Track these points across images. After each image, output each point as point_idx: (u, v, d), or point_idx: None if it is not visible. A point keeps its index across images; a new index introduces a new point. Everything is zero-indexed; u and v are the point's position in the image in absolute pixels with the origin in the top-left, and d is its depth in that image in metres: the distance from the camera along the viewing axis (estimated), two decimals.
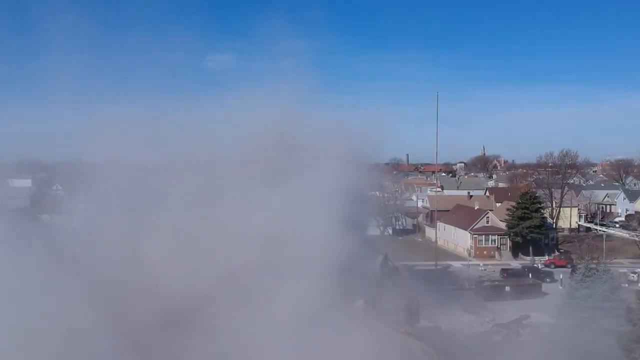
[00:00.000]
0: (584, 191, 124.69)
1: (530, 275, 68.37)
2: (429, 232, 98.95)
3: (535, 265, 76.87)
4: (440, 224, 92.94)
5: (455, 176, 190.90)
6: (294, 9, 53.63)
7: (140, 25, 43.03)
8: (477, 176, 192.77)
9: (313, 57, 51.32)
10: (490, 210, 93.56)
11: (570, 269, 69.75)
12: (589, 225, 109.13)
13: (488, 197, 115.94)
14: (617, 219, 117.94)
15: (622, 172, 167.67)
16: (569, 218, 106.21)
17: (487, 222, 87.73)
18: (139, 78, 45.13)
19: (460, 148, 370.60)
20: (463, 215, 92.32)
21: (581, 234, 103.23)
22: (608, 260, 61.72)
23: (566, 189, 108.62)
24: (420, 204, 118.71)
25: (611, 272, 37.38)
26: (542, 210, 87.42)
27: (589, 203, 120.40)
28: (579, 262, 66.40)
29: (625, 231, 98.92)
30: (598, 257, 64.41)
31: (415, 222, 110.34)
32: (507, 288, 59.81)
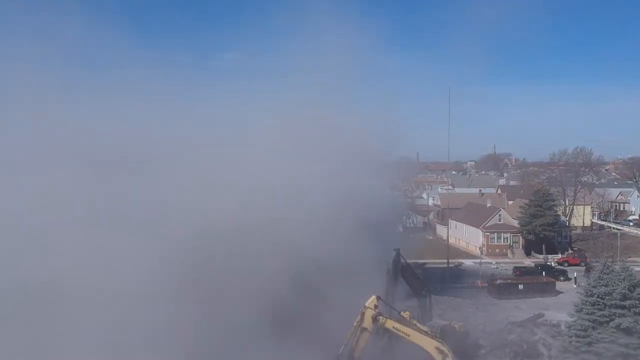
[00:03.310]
0: (597, 189, 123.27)
1: (543, 273, 67.54)
2: (440, 230, 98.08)
3: (548, 263, 75.92)
4: (451, 222, 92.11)
5: (465, 174, 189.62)
6: (299, 7, 53.34)
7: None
8: (488, 174, 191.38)
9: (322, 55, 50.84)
10: (502, 208, 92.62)
11: (584, 267, 69.02)
12: (603, 223, 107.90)
13: (500, 194, 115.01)
14: (631, 217, 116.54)
15: (635, 170, 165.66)
16: (582, 216, 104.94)
17: (499, 219, 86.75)
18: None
19: (470, 146, 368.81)
20: (475, 213, 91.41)
21: (594, 232, 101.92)
22: (623, 259, 60.80)
23: (579, 186, 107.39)
24: (430, 201, 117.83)
25: (630, 269, 36.49)
26: (555, 208, 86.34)
27: (602, 201, 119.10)
28: (593, 260, 65.59)
29: None
30: (613, 255, 63.59)
31: (425, 220, 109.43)
32: (521, 286, 59.02)
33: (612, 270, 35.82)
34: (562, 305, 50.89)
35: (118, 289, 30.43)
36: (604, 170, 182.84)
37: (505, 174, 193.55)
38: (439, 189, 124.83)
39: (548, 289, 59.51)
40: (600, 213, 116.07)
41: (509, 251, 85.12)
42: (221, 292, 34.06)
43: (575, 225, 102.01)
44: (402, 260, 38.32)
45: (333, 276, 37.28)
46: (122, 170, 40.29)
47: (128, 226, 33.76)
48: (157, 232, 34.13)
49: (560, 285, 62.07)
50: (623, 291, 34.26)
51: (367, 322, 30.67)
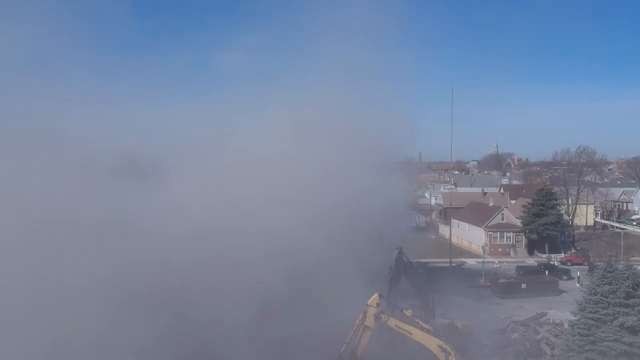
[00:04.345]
0: (600, 188, 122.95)
1: (546, 272, 67.32)
2: (443, 229, 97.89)
3: (551, 262, 75.66)
4: (454, 221, 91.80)
5: (468, 174, 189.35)
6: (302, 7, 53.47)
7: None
8: (490, 174, 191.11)
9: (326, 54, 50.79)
10: (505, 207, 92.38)
11: (587, 267, 68.78)
12: (606, 222, 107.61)
13: (502, 194, 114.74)
14: (634, 217, 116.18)
15: (638, 169, 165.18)
16: (585, 215, 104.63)
17: (502, 219, 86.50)
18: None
19: (473, 146, 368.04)
20: (477, 212, 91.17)
21: (597, 231, 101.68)
22: (626, 258, 60.61)
23: (582, 186, 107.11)
24: (433, 201, 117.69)
25: (633, 268, 36.28)
26: (558, 207, 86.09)
27: (605, 200, 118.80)
28: (596, 259, 65.38)
29: None
30: (616, 255, 63.38)
31: (428, 220, 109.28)
32: (524, 285, 58.78)
33: (616, 269, 35.57)
34: (565, 304, 50.77)
35: (106, 291, 30.44)
36: (606, 169, 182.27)
37: (507, 174, 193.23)
38: (442, 189, 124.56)
39: (551, 288, 59.25)
40: (603, 212, 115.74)
41: (511, 250, 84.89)
42: (219, 295, 33.94)
43: (578, 224, 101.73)
44: (405, 259, 38.24)
45: (334, 277, 37.20)
46: (124, 171, 40.42)
47: (123, 228, 33.81)
48: (153, 233, 34.09)
49: (563, 284, 61.85)
50: (627, 289, 34.02)
51: (370, 321, 30.45)
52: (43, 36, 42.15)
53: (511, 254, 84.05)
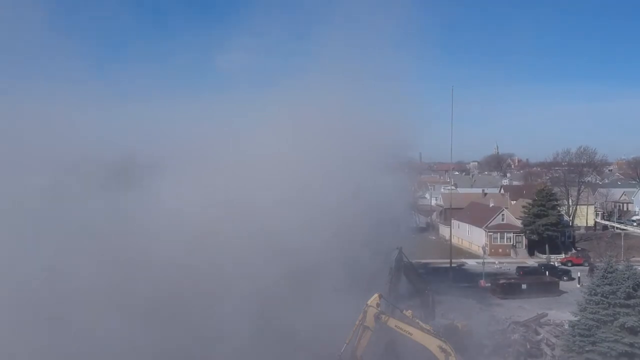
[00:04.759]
0: (600, 189, 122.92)
1: (547, 273, 67.27)
2: (443, 230, 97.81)
3: (551, 263, 75.65)
4: (454, 222, 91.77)
5: (468, 174, 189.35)
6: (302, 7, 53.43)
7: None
8: (490, 174, 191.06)
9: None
10: (505, 207, 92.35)
11: (587, 267, 68.77)
12: (606, 222, 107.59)
13: (503, 194, 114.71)
14: (634, 217, 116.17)
15: (639, 170, 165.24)
16: (585, 216, 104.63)
17: (503, 219, 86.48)
18: None
19: (473, 147, 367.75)
20: (478, 213, 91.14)
21: (598, 232, 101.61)
22: (626, 258, 60.51)
23: (582, 186, 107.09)
24: (433, 201, 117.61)
25: (634, 268, 36.21)
26: (558, 208, 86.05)
27: (606, 201, 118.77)
28: (597, 260, 65.34)
29: None
30: (616, 255, 63.30)
31: (428, 220, 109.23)
32: (524, 286, 58.75)
33: (616, 270, 35.51)
34: (566, 304, 50.72)
35: (105, 291, 30.44)
36: (607, 170, 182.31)
37: (508, 174, 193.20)
38: (442, 189, 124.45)
39: (551, 289, 59.24)
40: (603, 213, 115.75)
41: (512, 251, 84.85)
42: (218, 295, 33.87)
43: (579, 225, 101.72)
44: (405, 259, 38.19)
45: (333, 277, 37.11)
46: (124, 171, 40.38)
47: (123, 229, 33.78)
48: (153, 234, 34.00)
49: (563, 285, 61.85)
50: (627, 290, 33.97)
51: (370, 321, 30.41)
52: (43, 36, 42.09)
53: (511, 255, 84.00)
